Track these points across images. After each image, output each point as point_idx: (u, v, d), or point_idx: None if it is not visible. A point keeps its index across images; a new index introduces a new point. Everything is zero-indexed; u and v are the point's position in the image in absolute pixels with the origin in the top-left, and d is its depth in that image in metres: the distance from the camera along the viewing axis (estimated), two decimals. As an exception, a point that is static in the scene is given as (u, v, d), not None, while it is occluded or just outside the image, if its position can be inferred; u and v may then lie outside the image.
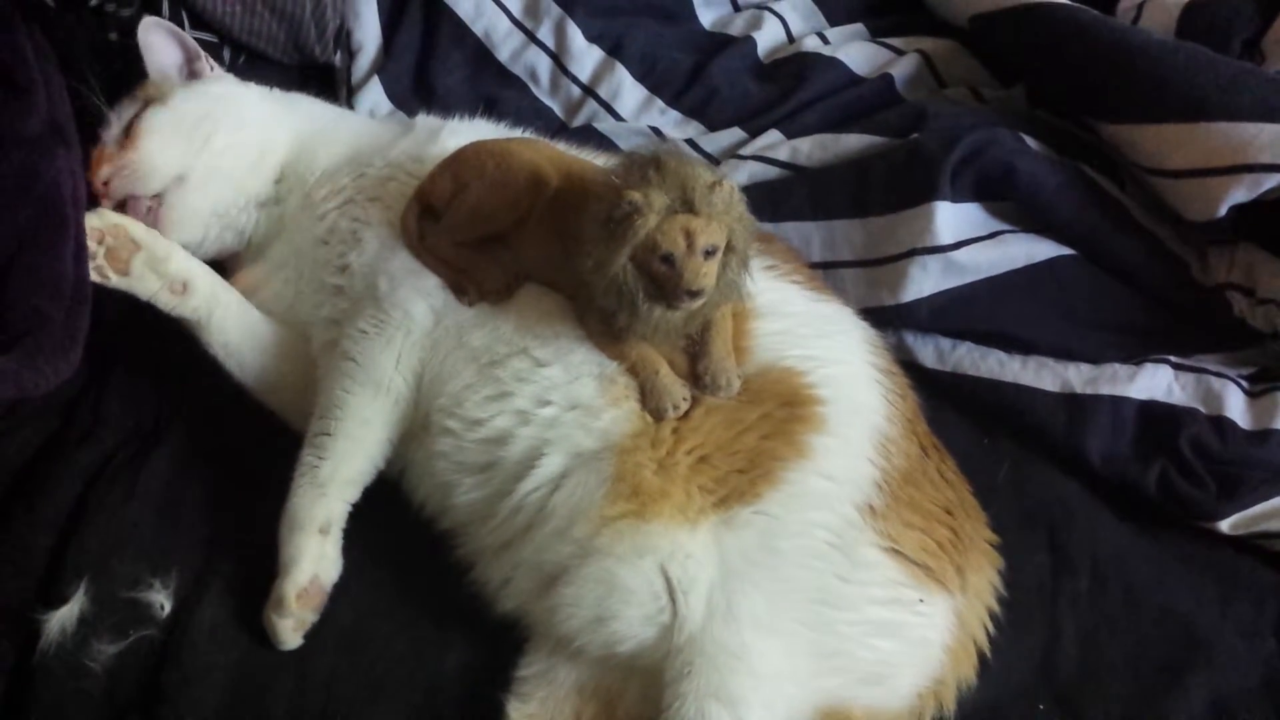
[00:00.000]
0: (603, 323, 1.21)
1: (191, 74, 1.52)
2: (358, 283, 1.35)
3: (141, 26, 1.49)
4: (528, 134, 1.48)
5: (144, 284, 1.39)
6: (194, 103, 1.46)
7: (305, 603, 1.24)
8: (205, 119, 1.45)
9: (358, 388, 1.30)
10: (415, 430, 1.31)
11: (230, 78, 1.56)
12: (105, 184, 1.41)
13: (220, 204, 1.45)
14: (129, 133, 1.43)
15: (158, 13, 1.65)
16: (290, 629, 1.24)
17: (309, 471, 1.29)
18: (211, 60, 1.55)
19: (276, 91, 1.57)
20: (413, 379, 1.31)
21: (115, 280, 1.37)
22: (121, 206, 1.42)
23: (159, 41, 1.51)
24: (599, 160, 1.36)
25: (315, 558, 1.26)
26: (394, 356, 1.30)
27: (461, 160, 1.32)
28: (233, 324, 1.42)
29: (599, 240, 1.13)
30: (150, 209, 1.42)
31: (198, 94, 1.48)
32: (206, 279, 1.42)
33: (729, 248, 1.14)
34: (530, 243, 1.28)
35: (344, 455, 1.29)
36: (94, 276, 1.35)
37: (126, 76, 1.58)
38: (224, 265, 1.49)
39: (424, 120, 1.50)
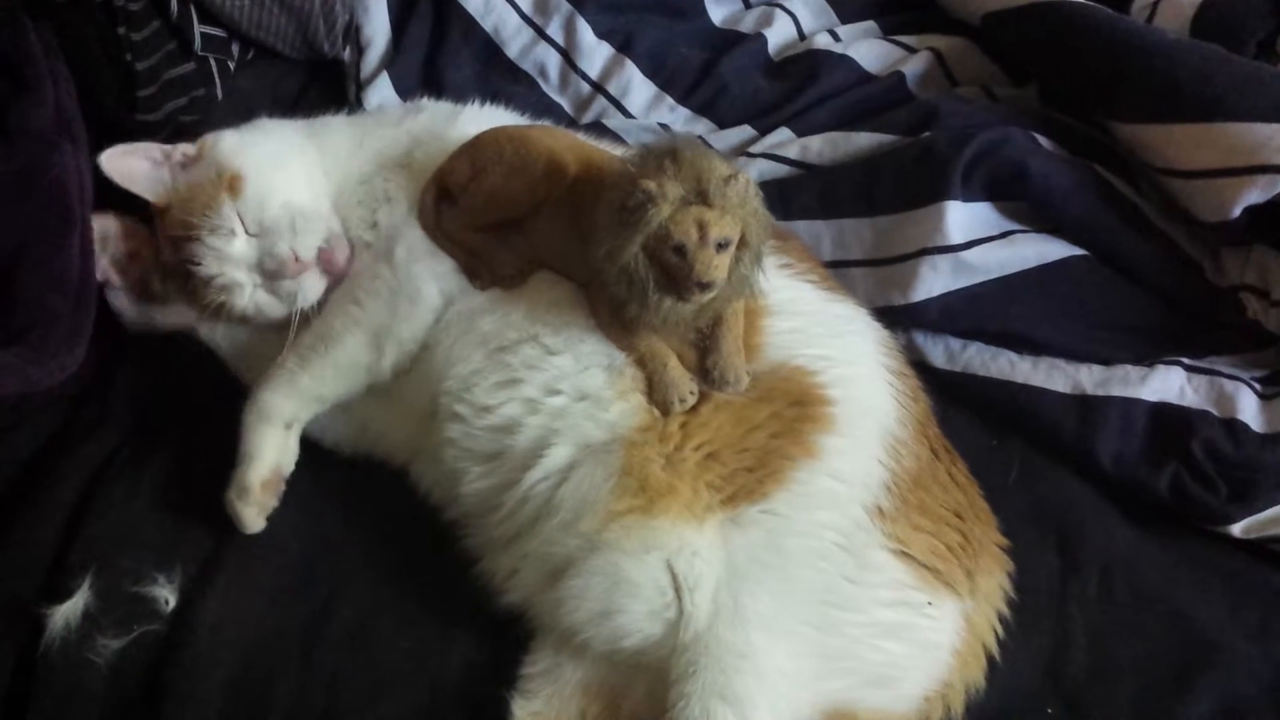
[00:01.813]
0: (613, 313, 1.21)
1: (180, 162, 1.40)
2: (381, 240, 1.36)
3: (103, 166, 1.35)
4: (546, 124, 1.48)
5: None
6: (244, 158, 1.38)
7: (268, 489, 1.30)
8: (266, 158, 1.39)
9: (357, 330, 1.32)
10: (424, 416, 1.31)
11: (212, 136, 1.43)
12: (303, 260, 1.34)
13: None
14: (245, 226, 1.35)
15: (166, 8, 1.65)
16: (254, 515, 1.29)
17: (287, 375, 1.32)
18: (181, 146, 1.41)
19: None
20: (398, 347, 1.31)
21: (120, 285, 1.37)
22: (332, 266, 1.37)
23: (127, 166, 1.37)
24: (615, 153, 1.36)
25: (278, 449, 1.31)
26: (391, 319, 1.31)
27: (480, 145, 1.32)
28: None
29: (612, 228, 1.13)
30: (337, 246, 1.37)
31: (232, 152, 1.38)
32: None
33: (742, 242, 1.13)
34: (545, 230, 1.28)
35: (324, 378, 1.32)
36: (101, 279, 1.35)
37: (137, 73, 1.58)
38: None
39: (433, 103, 1.51)
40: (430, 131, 1.42)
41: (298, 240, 1.33)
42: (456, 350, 1.29)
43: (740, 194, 1.11)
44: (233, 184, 1.35)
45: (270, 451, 1.30)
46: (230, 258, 1.34)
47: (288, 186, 1.37)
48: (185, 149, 1.40)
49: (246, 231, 1.35)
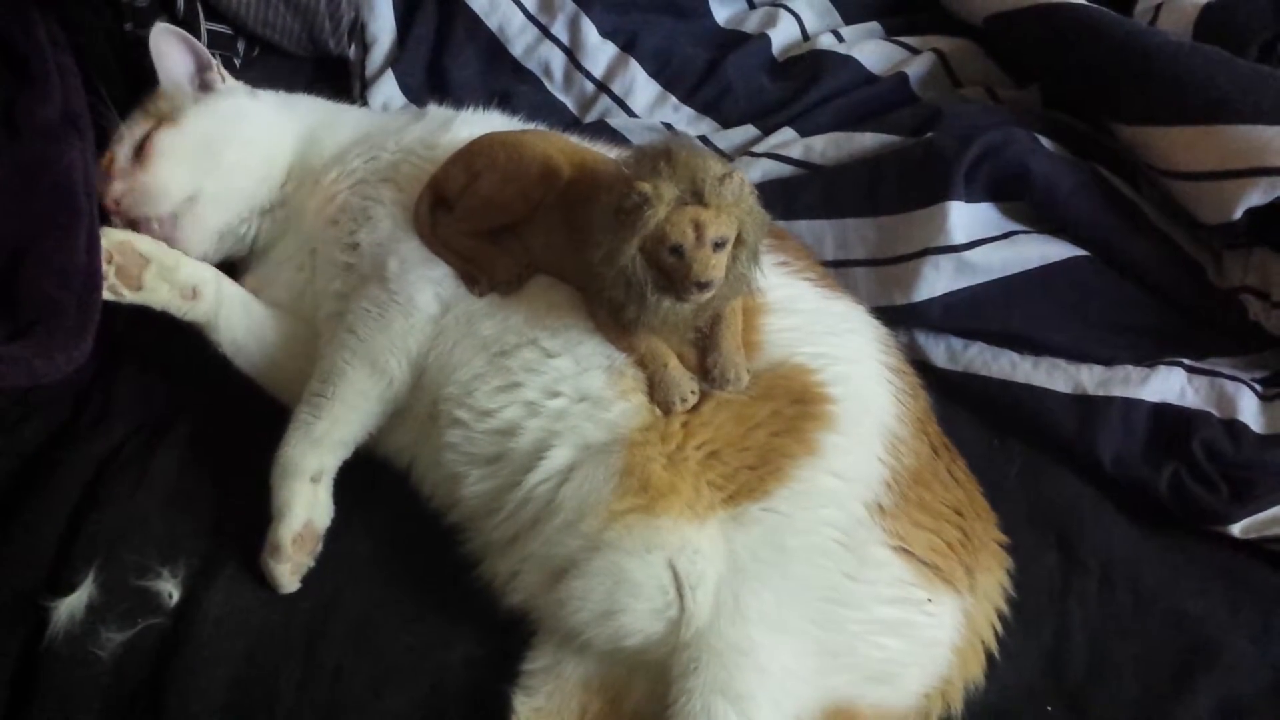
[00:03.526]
0: (612, 314, 1.21)
1: (203, 84, 1.49)
2: (366, 261, 1.35)
3: (154, 33, 1.47)
4: (540, 128, 1.48)
5: (156, 295, 1.40)
6: (206, 123, 1.45)
7: (300, 547, 1.28)
8: (217, 140, 1.45)
9: (356, 361, 1.31)
10: (424, 421, 1.32)
11: (241, 89, 1.53)
12: (116, 202, 1.41)
13: (228, 219, 1.46)
14: (141, 152, 1.42)
15: (173, 5, 1.66)
16: (288, 573, 1.27)
17: (303, 427, 1.31)
18: (223, 70, 1.52)
19: (283, 95, 1.57)
20: (408, 364, 1.31)
21: (129, 296, 1.38)
22: (134, 224, 1.42)
23: (171, 49, 1.48)
24: (611, 154, 1.36)
25: (308, 504, 1.29)
26: (391, 339, 1.31)
27: (474, 151, 1.32)
28: (239, 322, 1.43)
29: (608, 231, 1.13)
30: (160, 227, 1.42)
31: (209, 113, 1.46)
32: (214, 282, 1.43)
33: (739, 240, 1.14)
34: (541, 234, 1.28)
35: (338, 419, 1.31)
36: (107, 295, 1.36)
37: (142, 68, 1.59)
38: (230, 265, 1.50)
39: (436, 109, 1.51)
40: (421, 141, 1.42)
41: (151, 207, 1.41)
42: (456, 355, 1.29)
43: (735, 192, 1.12)
44: (162, 119, 1.44)
45: (299, 508, 1.28)
46: (119, 153, 1.43)
47: (190, 175, 1.43)
48: (216, 78, 1.49)
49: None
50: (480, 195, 1.29)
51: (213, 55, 1.68)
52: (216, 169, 1.44)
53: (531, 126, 1.48)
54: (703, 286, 1.12)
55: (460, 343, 1.29)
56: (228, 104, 1.49)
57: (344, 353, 1.32)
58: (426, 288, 1.31)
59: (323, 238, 1.41)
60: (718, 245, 1.11)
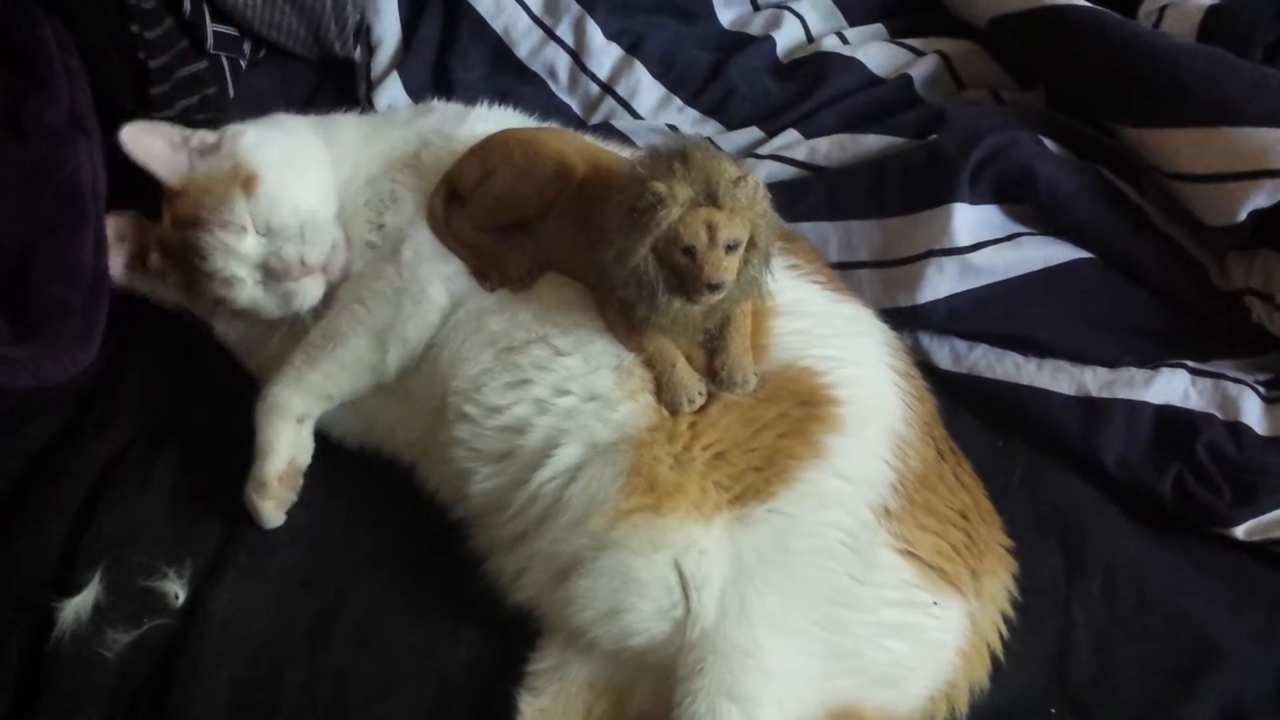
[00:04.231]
0: (622, 314, 1.22)
1: (202, 151, 1.39)
2: (387, 244, 1.36)
3: (123, 141, 1.34)
4: (555, 126, 1.48)
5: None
6: (263, 159, 1.37)
7: (285, 483, 1.32)
8: (283, 163, 1.38)
9: (361, 330, 1.33)
10: (432, 416, 1.32)
11: (228, 127, 1.44)
12: (311, 265, 1.35)
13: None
14: (258, 228, 1.35)
15: (179, 6, 1.66)
16: (273, 509, 1.31)
17: (295, 372, 1.34)
18: (201, 132, 1.41)
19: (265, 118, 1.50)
20: (406, 349, 1.32)
21: (140, 284, 1.38)
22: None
23: (148, 142, 1.36)
24: (623, 154, 1.36)
25: (292, 442, 1.33)
26: (398, 319, 1.32)
27: (489, 147, 1.33)
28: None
29: (621, 230, 1.14)
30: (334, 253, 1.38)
31: (251, 154, 1.37)
32: None
33: (751, 243, 1.14)
34: (554, 231, 1.29)
35: (331, 375, 1.34)
36: (121, 276, 1.36)
37: (148, 69, 1.59)
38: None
39: (443, 104, 1.52)
40: (439, 132, 1.42)
41: (305, 246, 1.34)
42: (465, 350, 1.29)
43: (749, 195, 1.12)
44: (247, 182, 1.34)
45: (284, 445, 1.32)
46: (238, 254, 1.33)
47: (300, 191, 1.37)
48: (205, 136, 1.40)
49: (255, 231, 1.34)
50: (494, 191, 1.30)
51: (218, 53, 1.67)
52: (315, 176, 1.40)
53: (547, 125, 1.48)
54: (713, 288, 1.12)
55: (470, 338, 1.30)
56: (245, 141, 1.39)
57: (350, 319, 1.34)
58: (437, 281, 1.32)
59: (355, 220, 1.39)
60: (730, 248, 1.12)
